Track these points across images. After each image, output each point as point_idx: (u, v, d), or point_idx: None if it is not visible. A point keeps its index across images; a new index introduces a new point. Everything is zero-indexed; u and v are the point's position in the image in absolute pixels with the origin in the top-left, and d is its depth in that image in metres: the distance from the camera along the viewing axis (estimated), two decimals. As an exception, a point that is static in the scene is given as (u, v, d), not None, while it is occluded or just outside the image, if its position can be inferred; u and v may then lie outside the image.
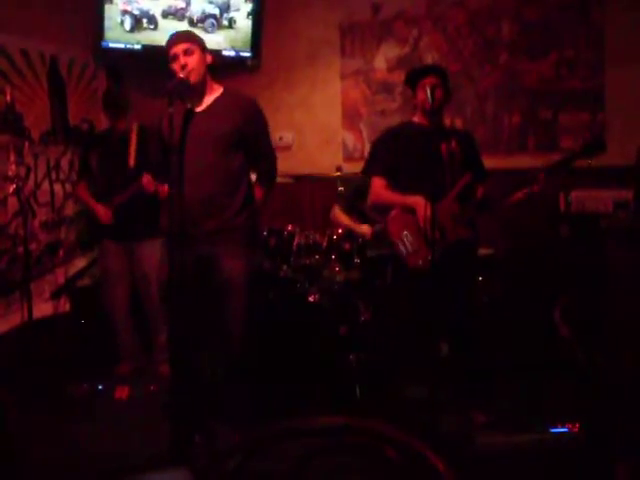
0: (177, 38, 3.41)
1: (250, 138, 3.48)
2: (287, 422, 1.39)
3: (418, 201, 3.57)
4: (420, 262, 3.56)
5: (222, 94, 3.51)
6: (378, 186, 3.76)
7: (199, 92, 3.44)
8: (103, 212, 4.43)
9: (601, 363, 3.86)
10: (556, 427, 3.28)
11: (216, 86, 3.52)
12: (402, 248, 3.62)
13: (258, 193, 3.64)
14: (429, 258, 3.53)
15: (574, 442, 3.21)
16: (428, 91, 3.55)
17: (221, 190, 3.41)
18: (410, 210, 3.62)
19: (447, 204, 3.58)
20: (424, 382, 3.68)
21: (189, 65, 3.32)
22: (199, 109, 3.44)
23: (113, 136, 4.57)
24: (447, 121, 5.27)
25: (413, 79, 3.75)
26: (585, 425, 3.16)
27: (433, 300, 3.54)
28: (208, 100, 3.47)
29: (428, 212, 3.50)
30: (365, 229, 4.41)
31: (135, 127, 4.43)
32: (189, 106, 3.38)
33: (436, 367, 3.69)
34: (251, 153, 3.53)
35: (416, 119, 3.80)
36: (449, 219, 3.57)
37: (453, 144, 3.70)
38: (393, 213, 3.70)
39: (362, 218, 4.53)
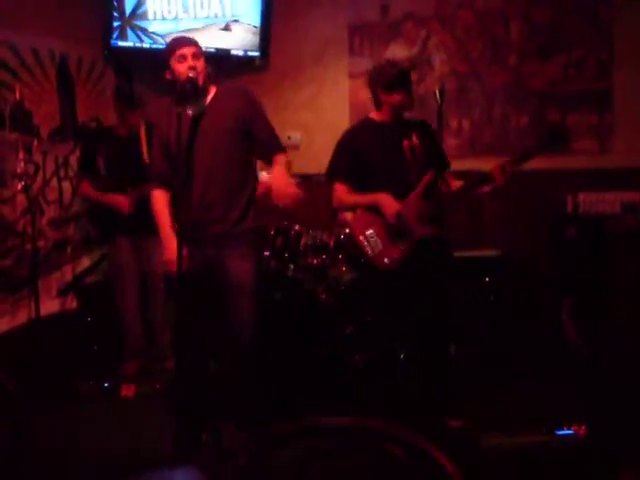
0: (186, 40, 3.41)
1: (250, 126, 3.45)
2: (296, 421, 1.39)
3: (382, 198, 3.56)
4: (387, 261, 3.55)
5: (216, 93, 3.50)
6: (340, 191, 3.73)
7: (202, 97, 3.43)
8: (123, 200, 4.45)
9: (607, 364, 3.86)
10: (562, 429, 3.28)
11: (211, 87, 3.52)
12: (368, 249, 3.60)
13: (282, 158, 3.47)
14: (395, 257, 3.53)
15: (580, 444, 3.20)
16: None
17: (226, 191, 3.40)
18: (374, 209, 3.60)
19: (412, 201, 3.55)
20: (424, 381, 3.70)
21: (198, 67, 3.32)
22: (200, 112, 3.44)
23: (123, 132, 4.59)
24: (454, 122, 5.31)
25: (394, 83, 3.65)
26: (591, 427, 3.15)
27: (403, 299, 3.55)
28: (206, 102, 3.48)
29: (395, 208, 3.50)
30: None
31: (143, 124, 4.47)
32: (193, 109, 3.37)
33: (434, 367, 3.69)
34: (259, 141, 3.48)
35: (376, 116, 3.74)
36: (414, 217, 3.54)
37: (414, 139, 3.64)
38: (357, 214, 3.69)
39: None
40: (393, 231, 3.54)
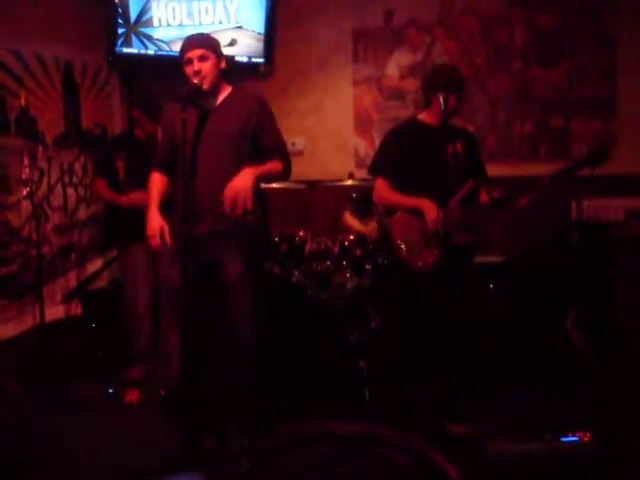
0: (193, 43, 3.41)
1: (259, 134, 3.47)
2: (301, 427, 1.39)
3: (426, 204, 3.55)
4: (421, 264, 3.55)
5: (230, 94, 3.52)
6: (381, 188, 3.72)
7: (211, 96, 3.45)
8: (142, 197, 4.43)
9: (613, 371, 3.85)
10: (567, 436, 3.26)
11: (226, 86, 3.53)
12: (404, 251, 3.61)
13: (274, 162, 3.50)
14: (430, 261, 3.54)
15: (584, 451, 3.19)
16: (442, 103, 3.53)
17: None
18: (415, 212, 3.59)
19: (451, 208, 3.56)
20: (433, 386, 3.69)
21: (203, 71, 3.33)
22: (210, 111, 3.46)
23: (142, 136, 4.58)
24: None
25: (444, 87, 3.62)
26: (597, 434, 3.14)
27: (433, 303, 3.55)
28: (218, 101, 3.50)
29: (438, 216, 3.51)
30: (372, 227, 4.41)
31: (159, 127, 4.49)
32: (202, 109, 3.39)
33: (446, 372, 3.68)
34: (263, 148, 3.50)
35: (424, 118, 3.74)
36: (453, 224, 3.55)
37: (458, 146, 3.66)
38: (397, 215, 3.67)
39: (372, 221, 4.53)
40: (430, 236, 3.55)
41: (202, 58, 3.34)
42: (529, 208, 3.62)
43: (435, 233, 3.54)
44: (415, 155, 3.65)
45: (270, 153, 3.51)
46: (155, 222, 3.36)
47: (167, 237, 3.32)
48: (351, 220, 4.64)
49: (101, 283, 5.18)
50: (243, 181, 3.29)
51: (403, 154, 3.66)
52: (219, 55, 3.44)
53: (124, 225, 4.55)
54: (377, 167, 3.79)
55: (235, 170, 3.38)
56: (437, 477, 1.31)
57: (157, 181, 3.56)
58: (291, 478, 1.46)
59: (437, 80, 3.63)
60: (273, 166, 3.49)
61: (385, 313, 4.20)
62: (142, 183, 4.41)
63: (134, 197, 4.44)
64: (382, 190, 3.72)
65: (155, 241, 3.35)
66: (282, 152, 3.56)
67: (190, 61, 3.35)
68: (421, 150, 3.65)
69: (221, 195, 3.30)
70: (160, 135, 4.42)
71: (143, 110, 4.58)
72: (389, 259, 3.99)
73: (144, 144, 4.54)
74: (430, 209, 3.53)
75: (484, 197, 3.71)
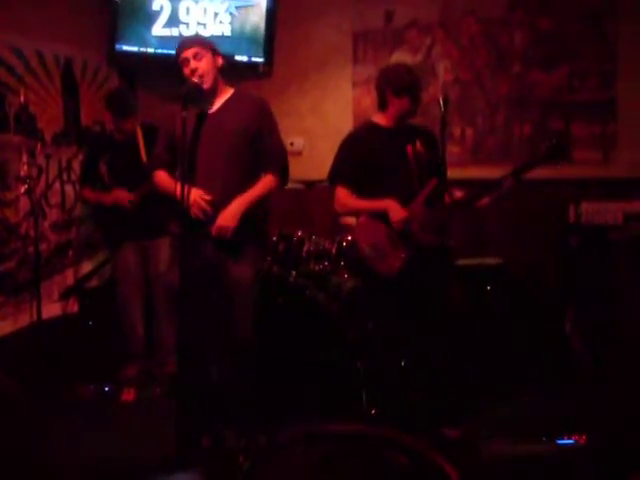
0: (186, 43, 3.45)
1: (258, 136, 3.49)
2: (303, 427, 1.39)
3: (390, 205, 3.53)
4: (387, 269, 3.52)
5: (232, 96, 3.54)
6: (342, 196, 3.69)
7: (211, 95, 3.46)
8: (122, 194, 4.46)
9: (612, 373, 3.85)
10: (562, 438, 3.27)
11: (227, 88, 3.55)
12: (370, 255, 3.57)
13: (267, 180, 3.54)
14: (396, 265, 3.51)
15: (580, 454, 3.19)
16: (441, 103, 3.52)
17: (230, 192, 3.41)
18: (379, 215, 3.57)
19: (415, 209, 3.54)
20: (427, 389, 3.69)
21: (199, 69, 3.35)
22: (210, 111, 3.47)
23: (120, 138, 4.60)
24: (457, 130, 5.32)
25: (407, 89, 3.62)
26: (594, 437, 3.14)
27: (402, 308, 3.53)
28: (219, 102, 3.51)
29: (402, 215, 3.48)
30: None
31: (138, 126, 4.48)
32: (201, 109, 3.40)
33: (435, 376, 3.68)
34: (260, 152, 3.52)
35: (380, 120, 3.71)
36: (417, 225, 3.51)
37: (418, 145, 3.63)
38: (361, 220, 3.65)
39: None
40: (396, 239, 3.53)
41: (197, 56, 3.37)
42: (491, 207, 3.58)
43: (401, 234, 3.51)
44: (373, 158, 3.62)
45: (268, 158, 3.53)
46: (192, 193, 3.28)
47: (207, 207, 3.35)
48: (351, 220, 4.63)
49: (98, 281, 5.17)
50: (229, 218, 3.36)
51: (360, 159, 3.64)
52: (214, 52, 3.45)
53: (114, 225, 4.57)
54: (336, 175, 3.75)
55: (235, 172, 3.41)
56: (436, 478, 1.31)
57: (164, 175, 3.58)
58: (290, 477, 1.46)
59: (389, 80, 3.62)
60: (264, 187, 3.51)
61: (376, 315, 4.20)
62: (126, 184, 4.44)
63: (117, 194, 4.46)
64: (343, 198, 3.69)
65: (195, 209, 3.34)
66: (279, 160, 3.57)
67: (187, 61, 3.37)
68: (379, 153, 3.63)
69: (219, 196, 3.37)
70: (140, 135, 4.45)
71: (116, 112, 4.58)
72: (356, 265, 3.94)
73: (123, 145, 4.55)
74: (395, 209, 3.51)
75: (447, 197, 3.67)
